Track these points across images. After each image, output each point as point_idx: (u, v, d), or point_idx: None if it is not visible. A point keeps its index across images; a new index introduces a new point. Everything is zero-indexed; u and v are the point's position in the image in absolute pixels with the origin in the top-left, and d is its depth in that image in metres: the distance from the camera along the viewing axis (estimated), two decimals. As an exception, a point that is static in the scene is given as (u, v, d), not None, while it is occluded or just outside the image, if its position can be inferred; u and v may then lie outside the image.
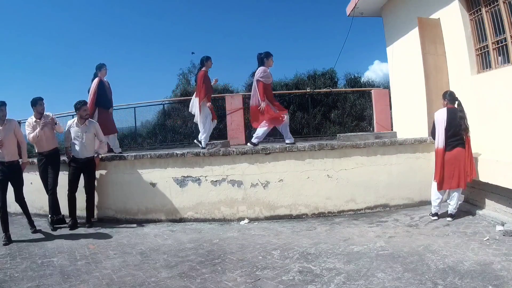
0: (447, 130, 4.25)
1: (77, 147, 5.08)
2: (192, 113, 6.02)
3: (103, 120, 5.87)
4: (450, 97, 4.38)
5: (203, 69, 5.83)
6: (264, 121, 5.43)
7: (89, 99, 5.85)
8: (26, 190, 5.52)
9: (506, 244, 3.33)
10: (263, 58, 5.47)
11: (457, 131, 4.22)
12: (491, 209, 4.26)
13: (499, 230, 3.66)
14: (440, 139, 4.31)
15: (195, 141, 6.11)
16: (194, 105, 5.84)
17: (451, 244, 3.46)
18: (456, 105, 4.36)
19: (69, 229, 4.99)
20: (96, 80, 5.93)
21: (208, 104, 5.85)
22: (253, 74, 5.55)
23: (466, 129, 4.20)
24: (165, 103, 11.20)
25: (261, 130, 5.47)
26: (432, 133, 4.52)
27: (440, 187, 4.34)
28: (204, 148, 5.58)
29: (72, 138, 5.11)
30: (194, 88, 6.48)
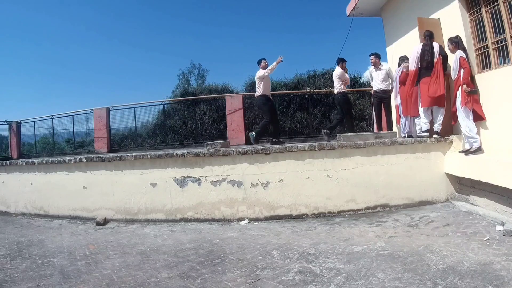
0: None
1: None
2: None
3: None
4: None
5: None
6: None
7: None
8: (26, 190, 5.51)
9: (506, 244, 3.32)
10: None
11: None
12: (491, 209, 4.26)
13: (499, 230, 3.66)
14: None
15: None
16: None
17: (451, 244, 3.45)
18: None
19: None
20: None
21: None
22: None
23: None
24: (165, 103, 11.22)
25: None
26: None
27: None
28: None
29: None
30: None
